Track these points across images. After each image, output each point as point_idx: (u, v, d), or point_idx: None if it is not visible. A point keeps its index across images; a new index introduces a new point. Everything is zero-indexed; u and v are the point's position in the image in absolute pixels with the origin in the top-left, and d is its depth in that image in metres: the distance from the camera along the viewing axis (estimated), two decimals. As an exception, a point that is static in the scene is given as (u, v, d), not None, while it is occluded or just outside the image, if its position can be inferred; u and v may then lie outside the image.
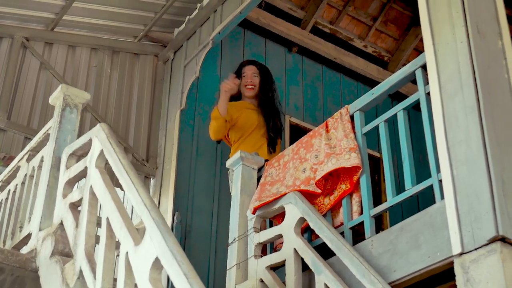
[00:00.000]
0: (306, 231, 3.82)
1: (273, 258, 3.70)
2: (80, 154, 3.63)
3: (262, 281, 3.68)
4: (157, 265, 2.44)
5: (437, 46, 3.25)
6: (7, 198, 4.33)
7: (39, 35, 5.87)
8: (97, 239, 3.07)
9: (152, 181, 5.84)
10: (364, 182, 3.58)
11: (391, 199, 3.39)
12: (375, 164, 6.42)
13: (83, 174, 3.47)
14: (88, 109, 5.75)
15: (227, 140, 5.11)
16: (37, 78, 5.74)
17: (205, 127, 5.83)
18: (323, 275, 3.31)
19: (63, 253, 3.34)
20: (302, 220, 3.64)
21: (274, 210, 3.86)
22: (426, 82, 3.35)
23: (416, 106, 3.54)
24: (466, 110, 2.99)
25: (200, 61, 5.77)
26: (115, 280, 2.77)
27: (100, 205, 3.16)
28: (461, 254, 2.78)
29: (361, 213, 3.56)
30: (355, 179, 3.63)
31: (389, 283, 3.09)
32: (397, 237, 3.18)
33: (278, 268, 3.72)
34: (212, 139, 5.09)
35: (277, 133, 5.07)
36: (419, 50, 7.07)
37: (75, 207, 3.46)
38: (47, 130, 3.99)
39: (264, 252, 3.95)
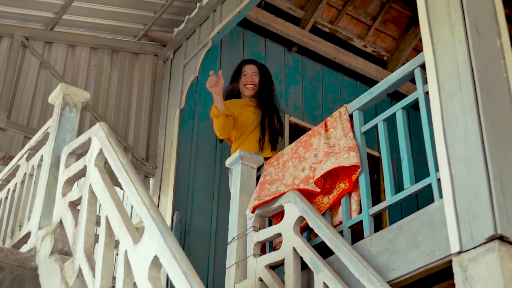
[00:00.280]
0: (305, 230, 3.82)
1: (272, 257, 3.70)
2: (80, 153, 3.64)
3: (261, 280, 3.68)
4: (156, 263, 2.44)
5: (436, 46, 3.26)
6: (6, 197, 4.34)
7: (39, 34, 5.88)
8: (97, 238, 3.08)
9: (151, 181, 5.85)
10: (363, 181, 3.59)
11: (390, 198, 3.40)
12: (374, 164, 6.43)
13: (82, 173, 3.47)
14: (88, 109, 5.76)
15: (228, 138, 5.12)
16: (37, 78, 5.75)
17: (204, 126, 5.84)
18: (322, 274, 3.31)
19: (63, 251, 3.35)
20: (301, 219, 3.64)
21: (273, 209, 3.87)
22: (425, 81, 3.35)
23: (415, 105, 3.54)
24: (464, 109, 3.00)
25: (200, 61, 5.78)
26: (114, 278, 2.78)
27: (100, 204, 3.17)
28: (459, 252, 2.79)
29: (360, 212, 3.57)
30: (354, 178, 3.63)
31: (388, 282, 3.09)
32: (396, 236, 3.18)
33: (277, 267, 3.72)
34: (219, 138, 5.04)
35: (276, 131, 5.07)
36: (419, 49, 7.08)
37: (74, 206, 3.47)
38: (47, 129, 3.99)
39: (263, 251, 3.96)
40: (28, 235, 3.72)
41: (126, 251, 2.65)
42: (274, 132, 5.03)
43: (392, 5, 7.11)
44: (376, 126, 3.68)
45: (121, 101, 6.06)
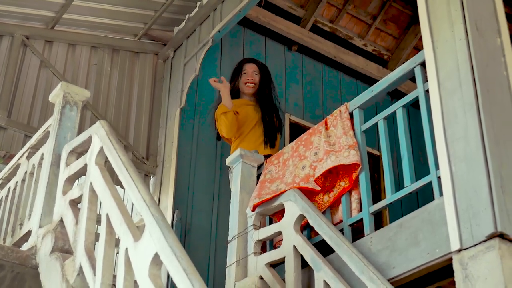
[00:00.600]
0: (306, 228, 3.83)
1: (272, 255, 3.71)
2: (80, 151, 3.64)
3: (261, 278, 3.69)
4: (156, 261, 2.44)
5: (436, 44, 3.26)
6: (7, 196, 4.34)
7: (39, 33, 5.88)
8: (97, 237, 3.08)
9: (152, 179, 5.85)
10: (363, 179, 3.59)
11: (390, 196, 3.40)
12: (374, 163, 6.43)
13: (83, 171, 3.47)
14: (88, 108, 5.76)
15: (227, 139, 5.12)
16: (37, 77, 5.75)
17: (205, 125, 5.84)
18: (322, 272, 3.32)
19: (63, 249, 3.35)
20: (301, 217, 3.64)
21: (274, 207, 3.87)
22: (425, 79, 3.36)
23: (415, 104, 3.54)
24: (465, 107, 3.00)
25: (200, 60, 5.78)
26: (114, 276, 2.78)
27: (100, 202, 3.17)
28: (459, 250, 2.79)
29: (361, 210, 3.57)
30: (354, 176, 3.64)
31: (388, 280, 3.09)
32: (396, 234, 3.19)
33: (277, 265, 3.73)
34: (226, 137, 5.02)
35: (275, 128, 5.07)
36: (419, 48, 7.07)
37: (75, 204, 3.47)
38: (47, 128, 4.00)
39: (263, 249, 3.96)
40: (28, 233, 3.73)
41: (126, 248, 2.65)
42: (273, 130, 5.03)
43: (392, 4, 7.11)
44: (376, 124, 3.68)
45: (122, 100, 6.06)
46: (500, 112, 2.99)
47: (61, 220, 3.47)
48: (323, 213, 3.75)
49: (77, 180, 3.70)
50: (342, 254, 3.27)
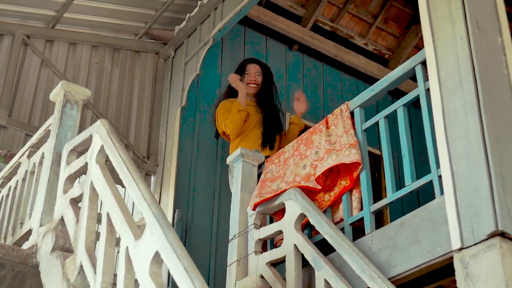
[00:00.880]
0: (306, 227, 3.83)
1: (273, 254, 3.71)
2: (81, 150, 3.64)
3: (262, 277, 3.68)
4: (157, 259, 2.44)
5: (437, 43, 3.25)
6: (8, 195, 4.34)
7: (40, 32, 5.88)
8: (98, 236, 3.08)
9: (152, 179, 5.85)
10: (364, 178, 3.59)
11: (391, 195, 3.40)
12: (375, 162, 6.43)
13: (83, 170, 3.47)
14: (89, 107, 5.76)
15: (227, 137, 5.12)
16: (38, 76, 5.75)
17: (205, 124, 5.84)
18: (323, 270, 3.31)
19: (64, 248, 3.35)
20: (302, 216, 3.64)
21: (275, 206, 3.87)
22: (426, 78, 3.36)
23: (416, 104, 3.54)
24: (465, 106, 3.00)
25: (201, 59, 5.78)
26: (115, 275, 2.78)
27: (101, 201, 3.17)
28: (460, 249, 2.79)
29: (361, 209, 3.57)
30: (355, 175, 3.64)
31: (389, 279, 3.09)
32: (397, 233, 3.18)
33: (278, 264, 3.73)
34: (230, 135, 5.00)
35: (275, 130, 5.08)
36: (420, 47, 7.07)
37: (75, 202, 3.47)
38: (48, 127, 4.00)
39: (264, 248, 3.96)
40: (29, 232, 3.73)
41: (127, 247, 2.65)
42: (273, 132, 5.04)
43: (393, 3, 7.11)
44: (377, 123, 3.68)
45: (122, 99, 6.06)
46: (501, 111, 2.99)
47: (62, 219, 3.47)
48: (324, 212, 3.75)
49: (78, 178, 3.70)
50: (343, 253, 3.27)
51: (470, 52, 3.07)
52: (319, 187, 3.72)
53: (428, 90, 3.32)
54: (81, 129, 4.09)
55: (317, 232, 3.64)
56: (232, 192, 4.67)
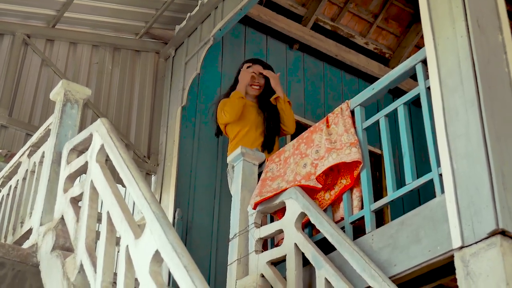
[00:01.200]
0: (307, 226, 3.82)
1: (273, 253, 3.70)
2: (81, 149, 3.64)
3: (263, 276, 3.68)
4: (157, 258, 2.44)
5: (437, 41, 3.25)
6: (8, 194, 4.34)
7: (40, 32, 5.88)
8: (98, 235, 3.08)
9: (153, 178, 5.85)
10: (365, 176, 3.59)
11: (392, 194, 3.39)
12: (376, 161, 6.43)
13: (84, 169, 3.47)
14: (90, 106, 5.76)
15: (226, 134, 5.13)
16: (39, 75, 5.75)
17: (206, 123, 5.84)
18: (323, 269, 3.31)
19: (64, 247, 3.35)
20: (302, 215, 3.64)
21: (275, 205, 3.86)
22: (426, 76, 3.35)
23: (417, 103, 3.53)
24: (466, 104, 2.99)
25: (201, 58, 5.78)
26: (115, 274, 2.78)
27: (101, 200, 3.17)
28: (461, 247, 2.78)
29: (362, 208, 3.56)
30: (356, 174, 3.63)
31: (390, 277, 3.09)
32: (398, 232, 3.18)
33: (279, 263, 3.72)
34: (228, 121, 5.03)
35: (275, 133, 5.08)
36: (420, 47, 7.01)
37: (76, 201, 3.47)
38: (48, 126, 4.00)
39: (265, 247, 3.95)
40: (29, 231, 3.73)
41: (127, 246, 2.65)
42: (274, 135, 5.04)
43: (394, 2, 7.10)
44: (378, 122, 3.67)
45: (123, 98, 6.06)
46: (502, 109, 2.99)
47: (62, 218, 3.47)
48: (324, 211, 3.74)
49: (79, 177, 3.70)
50: (343, 252, 3.27)
51: (471, 50, 3.07)
52: (320, 186, 3.72)
53: (428, 88, 3.32)
54: (81, 128, 4.09)
55: (318, 231, 3.64)
56: (231, 192, 4.69)
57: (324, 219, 3.48)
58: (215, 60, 6.21)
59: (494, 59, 3.09)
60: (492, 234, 2.68)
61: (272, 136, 5.03)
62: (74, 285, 3.02)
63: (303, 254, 3.53)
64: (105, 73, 6.06)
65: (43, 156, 3.93)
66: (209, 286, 2.20)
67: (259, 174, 4.20)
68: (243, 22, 6.32)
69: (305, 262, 3.52)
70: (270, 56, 6.49)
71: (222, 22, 5.67)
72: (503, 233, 2.67)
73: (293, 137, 5.34)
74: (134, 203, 5.05)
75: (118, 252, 2.83)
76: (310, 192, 3.79)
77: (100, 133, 3.29)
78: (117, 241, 2.91)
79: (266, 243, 4.09)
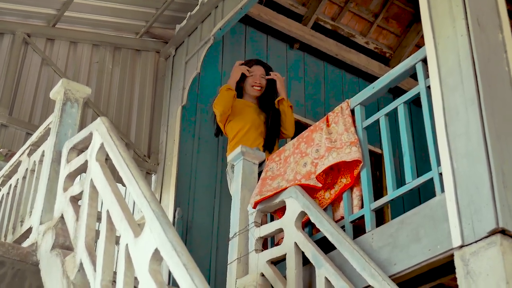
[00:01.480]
0: (307, 225, 3.82)
1: (273, 252, 3.70)
2: (81, 148, 3.64)
3: (263, 275, 3.68)
4: (156, 256, 2.43)
5: (438, 40, 3.25)
6: (8, 193, 4.34)
7: (40, 31, 5.88)
8: (97, 235, 3.07)
9: (153, 177, 5.85)
10: (365, 176, 3.58)
11: (392, 193, 3.39)
12: (376, 161, 6.42)
13: (83, 168, 3.47)
14: (90, 105, 5.76)
15: (226, 133, 5.13)
16: (39, 74, 5.75)
17: (206, 123, 5.84)
18: (323, 268, 3.31)
19: (64, 246, 3.35)
20: (302, 214, 3.64)
21: (275, 204, 3.86)
22: (427, 75, 3.35)
23: (417, 103, 3.53)
24: (466, 103, 2.99)
25: (202, 57, 5.79)
26: (115, 272, 2.77)
27: (101, 199, 3.16)
28: (461, 246, 2.78)
29: (362, 207, 3.56)
30: (356, 173, 3.63)
31: (390, 276, 3.09)
32: (398, 231, 3.18)
33: (279, 262, 3.72)
34: (219, 114, 5.01)
35: (275, 135, 5.08)
36: (421, 46, 7.00)
37: (75, 200, 3.47)
38: (48, 125, 3.99)
39: (265, 247, 3.95)
40: (29, 230, 3.72)
41: (127, 244, 2.64)
42: (275, 137, 5.04)
43: (394, 2, 7.11)
44: (378, 121, 3.67)
45: (123, 98, 6.06)
46: (502, 108, 2.98)
47: (62, 217, 3.46)
48: (325, 210, 3.74)
49: (79, 176, 3.70)
50: (343, 251, 3.27)
51: (471, 49, 3.06)
52: (320, 185, 3.71)
53: (428, 87, 3.32)
54: (81, 128, 4.09)
55: (318, 230, 3.64)
56: (230, 192, 4.69)
57: (324, 218, 3.47)
58: (216, 60, 6.22)
59: (494, 58, 3.09)
60: (492, 233, 2.68)
61: (273, 136, 5.03)
62: (73, 284, 3.02)
63: (303, 253, 3.52)
64: (105, 73, 6.06)
65: (43, 155, 3.93)
66: (209, 285, 2.20)
67: (259, 173, 4.20)
68: (243, 21, 6.32)
69: (305, 261, 3.52)
70: (271, 56, 6.49)
71: (222, 21, 5.67)
72: (503, 232, 2.67)
73: (293, 136, 5.33)
74: (134, 202, 5.06)
75: (118, 250, 2.83)
76: (310, 191, 3.78)
77: (100, 132, 3.29)
78: (117, 240, 2.90)
79: (266, 242, 4.09)
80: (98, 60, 6.07)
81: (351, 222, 3.59)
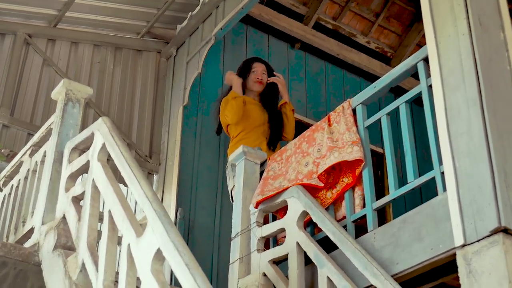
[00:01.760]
0: (309, 225, 3.82)
1: (275, 252, 3.70)
2: (83, 148, 3.64)
3: (265, 275, 3.68)
4: (159, 256, 2.44)
5: (439, 39, 3.24)
6: (10, 193, 4.34)
7: (42, 31, 5.88)
8: (99, 235, 3.07)
9: (155, 177, 5.85)
10: (367, 175, 3.58)
11: (394, 192, 3.39)
12: (378, 160, 6.42)
13: (85, 168, 3.47)
14: (91, 106, 5.76)
15: (228, 132, 5.13)
16: (40, 75, 5.75)
17: (208, 122, 5.84)
18: (325, 268, 3.31)
19: (66, 246, 3.35)
20: (304, 213, 3.64)
21: (277, 204, 3.86)
22: (428, 75, 3.35)
23: (419, 102, 3.53)
24: (468, 102, 2.99)
25: (203, 57, 5.78)
26: (117, 273, 2.77)
27: (103, 200, 3.16)
28: (463, 245, 2.78)
29: (364, 206, 3.56)
30: (358, 173, 3.63)
31: (392, 276, 3.08)
32: (400, 230, 3.17)
33: (281, 262, 3.72)
34: (230, 123, 4.99)
35: (279, 133, 5.08)
36: (422, 45, 7.01)
37: (77, 201, 3.47)
38: (50, 125, 4.00)
39: (266, 246, 3.95)
40: (31, 230, 3.73)
41: (129, 244, 2.65)
42: (279, 134, 5.04)
43: (395, 1, 7.10)
44: (379, 120, 3.67)
45: (124, 98, 6.06)
46: (504, 107, 2.98)
47: (64, 217, 3.47)
48: (326, 209, 3.74)
49: (80, 176, 3.70)
50: (345, 250, 3.26)
51: (473, 49, 3.06)
52: (322, 185, 3.71)
53: (430, 86, 3.31)
54: (83, 128, 4.09)
55: (320, 230, 3.63)
56: (228, 189, 4.69)
57: (326, 218, 3.47)
58: (217, 59, 6.21)
59: (496, 57, 3.09)
60: (495, 232, 2.68)
61: (278, 133, 5.03)
62: (76, 284, 3.02)
63: (305, 252, 3.52)
64: (106, 73, 6.06)
65: (44, 155, 3.94)
66: (211, 285, 2.20)
67: (261, 173, 4.20)
68: (244, 21, 6.32)
69: (307, 261, 3.52)
70: (272, 55, 6.49)
71: (223, 21, 5.67)
72: (506, 231, 2.67)
73: (294, 136, 5.33)
74: (136, 202, 5.06)
75: (120, 251, 2.83)
76: (312, 190, 3.78)
77: (101, 132, 3.29)
78: (119, 240, 2.91)
79: (268, 242, 4.08)
80: (100, 61, 6.07)
81: (353, 221, 3.59)
